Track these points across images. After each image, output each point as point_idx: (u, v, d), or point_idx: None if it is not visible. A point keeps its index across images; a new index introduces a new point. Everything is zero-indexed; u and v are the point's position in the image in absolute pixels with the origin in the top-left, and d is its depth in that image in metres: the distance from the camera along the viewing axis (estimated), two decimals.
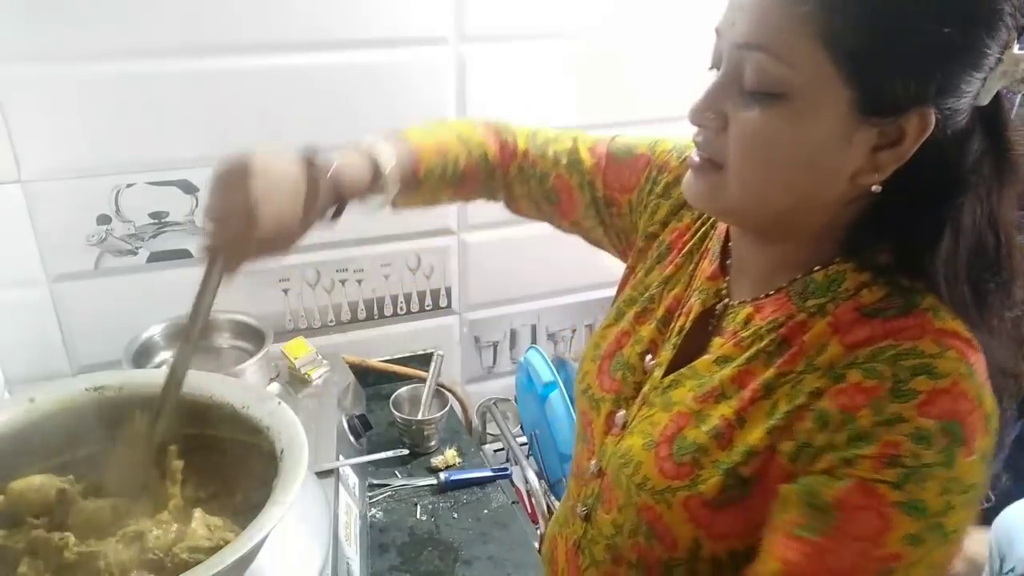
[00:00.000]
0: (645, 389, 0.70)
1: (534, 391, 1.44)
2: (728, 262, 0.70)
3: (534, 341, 1.73)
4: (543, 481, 1.47)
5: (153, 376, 0.95)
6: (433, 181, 0.85)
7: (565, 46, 1.47)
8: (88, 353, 1.34)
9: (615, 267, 1.79)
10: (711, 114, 0.58)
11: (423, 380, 1.39)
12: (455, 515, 1.19)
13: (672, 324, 0.71)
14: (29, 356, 1.30)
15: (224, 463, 0.79)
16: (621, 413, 0.71)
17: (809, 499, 0.53)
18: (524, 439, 1.57)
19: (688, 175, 0.62)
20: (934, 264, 0.54)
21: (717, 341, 0.66)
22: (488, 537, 1.15)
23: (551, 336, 1.75)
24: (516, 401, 1.62)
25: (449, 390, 1.44)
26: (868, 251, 0.57)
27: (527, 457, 1.52)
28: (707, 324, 0.69)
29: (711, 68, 0.60)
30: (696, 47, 1.66)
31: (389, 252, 1.50)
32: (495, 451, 1.70)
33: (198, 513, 0.74)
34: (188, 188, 1.30)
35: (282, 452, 0.71)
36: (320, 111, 1.34)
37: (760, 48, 0.53)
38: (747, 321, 0.64)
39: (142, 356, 1.17)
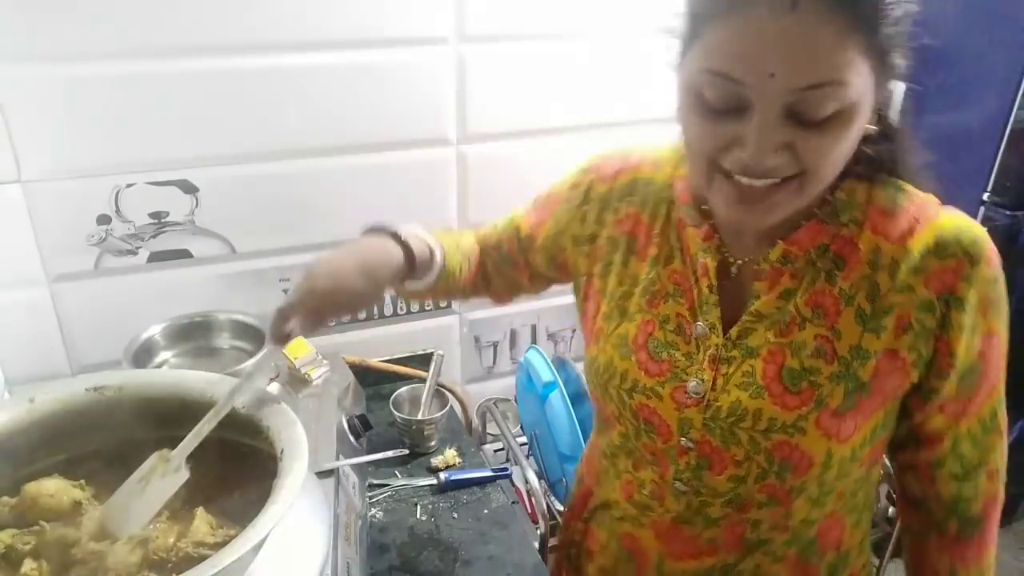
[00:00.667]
0: (710, 352, 0.75)
1: (534, 391, 1.44)
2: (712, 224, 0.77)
3: (534, 341, 1.73)
4: (543, 481, 1.47)
5: (153, 376, 0.95)
6: (453, 277, 0.92)
7: (565, 46, 1.47)
8: (88, 353, 1.34)
9: None
10: (779, 155, 0.62)
11: (423, 380, 1.39)
12: (455, 515, 1.19)
13: (693, 292, 0.77)
14: (29, 356, 1.30)
15: (224, 463, 0.79)
16: (693, 383, 0.75)
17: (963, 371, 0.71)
18: (524, 439, 1.57)
19: (743, 207, 0.66)
20: (899, 162, 0.72)
21: (759, 285, 0.74)
22: (488, 537, 1.15)
23: (551, 336, 1.75)
24: (516, 401, 1.62)
25: (449, 390, 1.44)
26: (855, 168, 0.69)
27: (527, 457, 1.52)
28: (726, 281, 0.76)
29: (721, 111, 0.64)
30: None
31: None
32: (495, 451, 1.70)
33: (200, 512, 0.74)
34: (188, 188, 1.31)
35: (282, 452, 0.71)
36: (320, 111, 1.34)
37: (828, 84, 0.59)
38: (786, 256, 0.72)
39: (142, 356, 1.17)
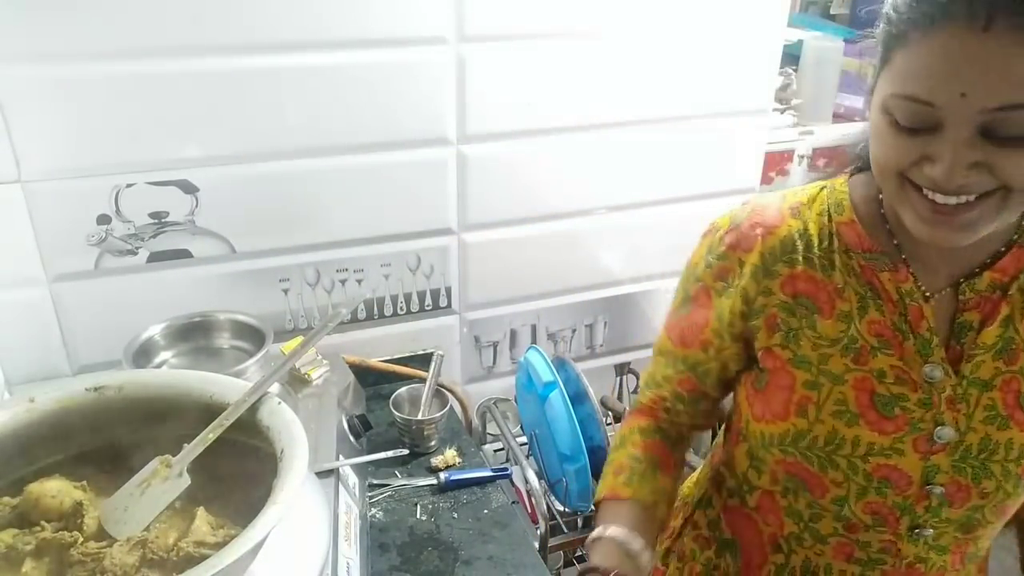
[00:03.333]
0: (946, 393, 0.73)
1: (534, 391, 1.44)
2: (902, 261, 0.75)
3: (534, 341, 1.73)
4: (543, 481, 1.47)
5: (153, 376, 0.95)
6: (662, 512, 0.88)
7: (565, 46, 1.47)
8: (88, 353, 1.34)
9: (614, 269, 1.81)
10: (971, 173, 0.62)
11: (423, 380, 1.39)
12: (455, 515, 1.19)
13: (901, 339, 0.74)
14: (29, 356, 1.30)
15: (224, 463, 0.79)
16: (940, 429, 0.73)
17: None
18: (524, 439, 1.57)
19: (936, 223, 0.65)
20: None
21: (970, 314, 0.74)
22: (488, 537, 1.15)
23: (551, 336, 1.75)
24: (516, 401, 1.62)
25: (449, 390, 1.44)
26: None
27: (527, 457, 1.52)
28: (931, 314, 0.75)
29: (914, 130, 0.64)
30: (696, 47, 1.67)
31: (389, 252, 1.51)
32: (495, 451, 1.70)
33: (200, 511, 0.74)
34: (188, 188, 1.31)
35: (282, 452, 0.71)
36: (320, 111, 1.34)
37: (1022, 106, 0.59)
38: (993, 283, 0.73)
39: (142, 356, 1.17)
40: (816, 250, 0.78)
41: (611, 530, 0.81)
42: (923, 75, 0.61)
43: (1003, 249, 0.73)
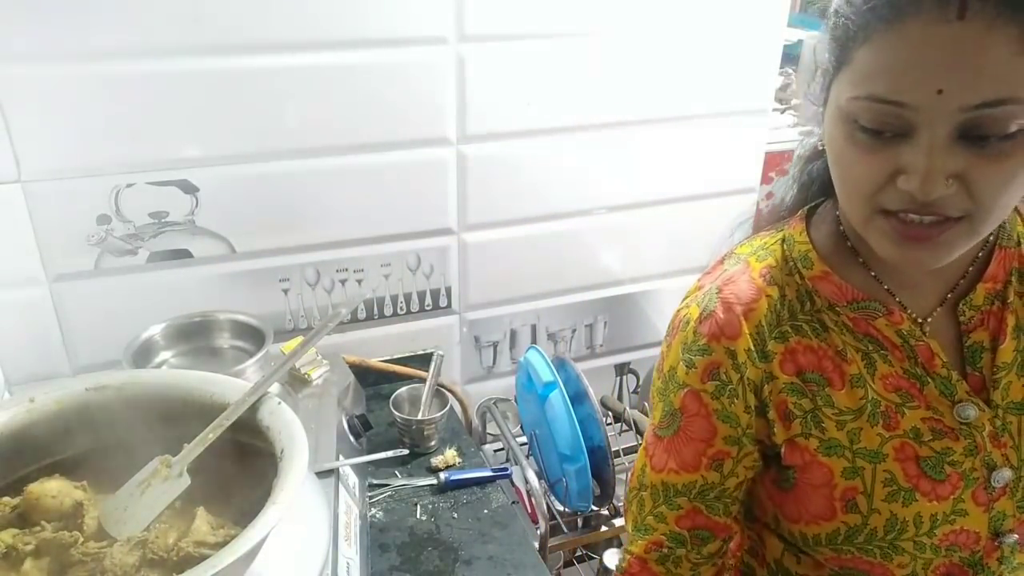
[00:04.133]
0: (987, 430, 0.67)
1: (534, 391, 1.43)
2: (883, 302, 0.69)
3: (534, 341, 1.73)
4: (543, 481, 1.47)
5: (153, 376, 0.95)
6: None
7: (565, 45, 1.47)
8: (88, 353, 1.34)
9: (614, 269, 1.81)
10: (949, 180, 0.56)
11: (423, 380, 1.39)
12: (455, 515, 1.19)
13: (919, 385, 0.68)
14: (29, 356, 1.30)
15: (224, 463, 0.78)
16: (998, 473, 0.67)
17: None
18: (524, 439, 1.57)
19: (909, 245, 0.60)
20: None
21: (977, 334, 0.69)
22: (488, 537, 1.15)
23: (551, 336, 1.75)
24: (516, 401, 1.62)
25: (449, 390, 1.44)
26: None
27: (527, 457, 1.52)
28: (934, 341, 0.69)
29: (874, 133, 0.58)
30: (696, 47, 1.67)
31: (389, 252, 1.51)
32: (495, 451, 1.70)
33: (200, 511, 0.74)
34: (188, 188, 1.31)
35: (282, 452, 0.71)
36: (320, 111, 1.34)
37: (1004, 102, 0.53)
38: (989, 295, 0.69)
39: (142, 356, 1.17)
40: (801, 315, 0.70)
41: None
42: (892, 72, 0.55)
43: (983, 255, 0.69)
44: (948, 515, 0.67)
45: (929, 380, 0.68)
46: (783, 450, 0.70)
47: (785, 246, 0.73)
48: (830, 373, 0.69)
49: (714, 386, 0.70)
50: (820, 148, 0.69)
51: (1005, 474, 0.67)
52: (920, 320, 0.69)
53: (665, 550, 0.75)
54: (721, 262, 0.78)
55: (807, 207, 0.75)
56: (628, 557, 0.79)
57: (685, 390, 0.72)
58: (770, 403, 0.70)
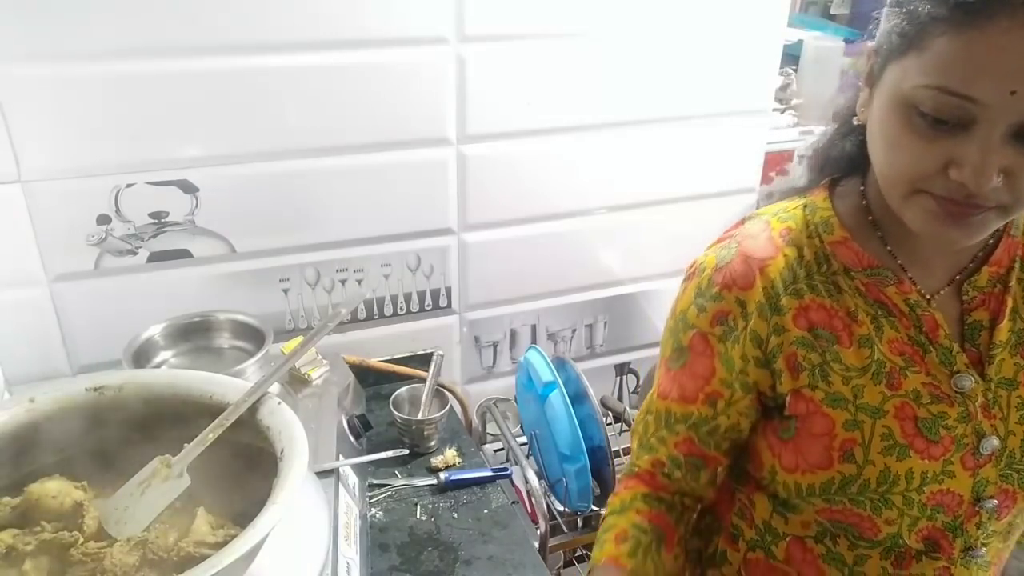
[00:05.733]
0: (980, 401, 0.71)
1: (534, 391, 1.44)
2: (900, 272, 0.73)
3: (534, 341, 1.73)
4: (543, 481, 1.47)
5: (153, 376, 0.95)
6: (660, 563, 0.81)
7: (566, 46, 1.47)
8: (88, 353, 1.34)
9: (614, 269, 1.81)
10: (997, 176, 0.59)
11: (423, 380, 1.39)
12: (455, 515, 1.19)
13: (922, 352, 0.72)
14: (29, 356, 1.30)
15: (224, 463, 0.79)
16: (986, 441, 0.71)
17: None
18: (524, 439, 1.57)
19: (946, 223, 0.63)
20: None
21: (978, 313, 0.73)
22: (488, 537, 1.15)
23: (551, 336, 1.75)
24: (516, 401, 1.62)
25: (449, 390, 1.44)
26: None
27: (527, 457, 1.52)
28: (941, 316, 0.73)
29: (934, 122, 0.60)
30: (696, 47, 1.67)
31: (389, 252, 1.51)
32: (495, 451, 1.70)
33: (200, 511, 0.74)
34: (188, 188, 1.31)
35: (282, 452, 0.71)
36: (320, 111, 1.34)
37: None
38: (992, 279, 0.73)
39: (142, 356, 1.17)
40: (817, 275, 0.73)
41: None
42: (970, 68, 0.56)
43: (992, 241, 0.73)
44: (937, 475, 0.71)
45: (931, 349, 0.72)
46: (788, 399, 0.74)
47: (807, 211, 0.77)
48: (840, 331, 0.72)
49: (721, 331, 0.75)
50: (855, 124, 0.71)
51: (992, 442, 0.71)
52: (928, 296, 0.73)
53: (666, 469, 0.83)
54: (742, 222, 0.81)
55: (830, 178, 0.78)
56: (635, 470, 0.86)
57: (694, 331, 0.77)
58: (778, 354, 0.73)
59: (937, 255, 0.73)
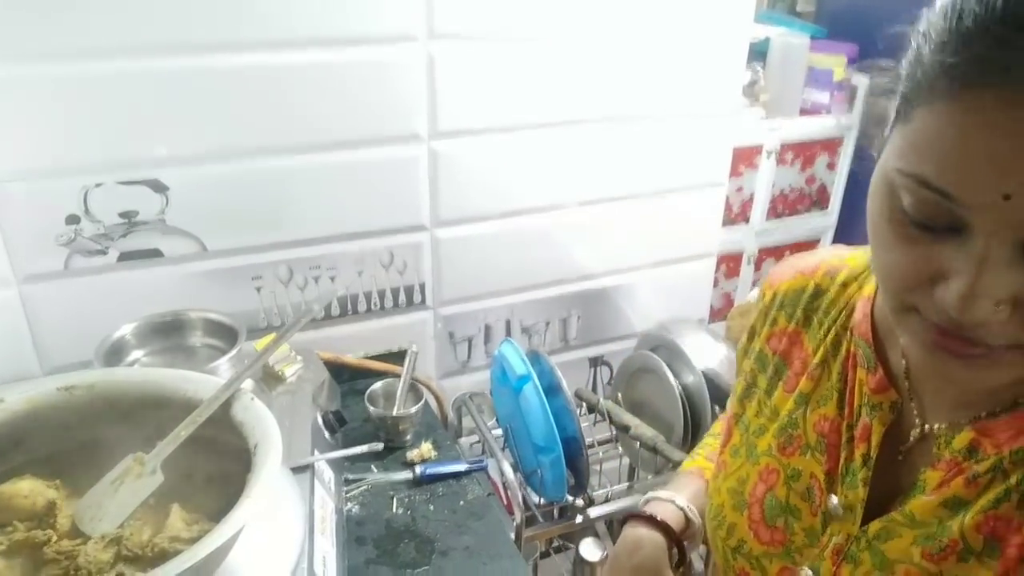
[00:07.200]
0: (836, 540, 0.59)
1: (508, 384, 1.45)
2: (897, 371, 0.59)
3: (508, 335, 1.74)
4: (518, 473, 1.48)
5: (125, 374, 0.95)
6: None
7: (535, 44, 1.48)
8: (59, 354, 1.33)
9: (586, 263, 1.83)
10: (999, 305, 0.43)
11: (398, 375, 1.40)
12: (431, 507, 1.20)
13: (840, 452, 0.60)
14: None
15: (198, 459, 0.79)
16: (807, 573, 0.60)
17: None
18: (499, 431, 1.58)
19: (943, 356, 0.47)
20: None
21: (931, 475, 0.55)
22: (464, 528, 1.16)
23: (525, 330, 1.77)
24: (491, 394, 1.63)
25: (424, 385, 1.45)
26: None
27: (502, 449, 1.54)
28: (894, 451, 0.58)
29: (925, 230, 0.45)
30: (664, 44, 1.69)
31: (362, 249, 1.51)
32: (471, 444, 1.71)
33: (175, 508, 0.75)
34: (158, 187, 1.30)
35: (255, 447, 0.72)
36: (290, 109, 1.34)
37: None
38: (972, 449, 0.53)
39: (114, 356, 1.17)
40: (819, 317, 0.65)
41: (679, 499, 0.78)
42: (949, 154, 0.41)
43: (1001, 410, 0.53)
44: (751, 556, 0.66)
45: (844, 453, 0.60)
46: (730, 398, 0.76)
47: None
48: (792, 376, 0.67)
49: (755, 309, 0.75)
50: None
51: None
52: (918, 422, 0.58)
53: None
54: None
55: None
56: None
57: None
58: (747, 353, 0.73)
59: (948, 385, 0.56)
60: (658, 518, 0.76)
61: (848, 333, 0.63)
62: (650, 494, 0.80)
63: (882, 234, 0.48)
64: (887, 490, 0.58)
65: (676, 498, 0.79)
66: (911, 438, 0.58)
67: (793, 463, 0.63)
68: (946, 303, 0.44)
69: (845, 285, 0.65)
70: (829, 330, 0.64)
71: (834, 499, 0.60)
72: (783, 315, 0.68)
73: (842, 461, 0.60)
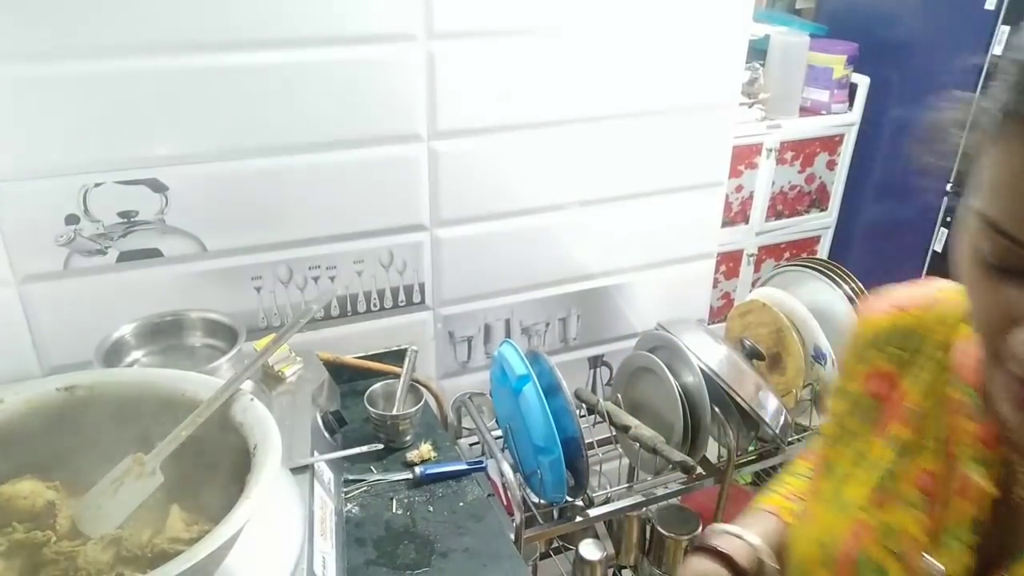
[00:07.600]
0: None
1: (508, 385, 1.45)
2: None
3: (508, 335, 1.74)
4: (518, 473, 1.48)
5: (124, 375, 0.95)
6: None
7: (534, 42, 1.48)
8: (58, 354, 1.33)
9: (586, 263, 1.83)
10: None
11: (397, 376, 1.40)
12: (431, 508, 1.20)
13: (942, 510, 0.56)
14: None
15: (197, 459, 0.79)
16: None
17: None
18: (499, 432, 1.58)
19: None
20: None
21: None
22: (464, 529, 1.16)
23: (525, 330, 1.77)
24: (491, 395, 1.63)
25: (424, 385, 1.45)
26: None
27: (502, 450, 1.53)
28: (997, 509, 0.54)
29: (997, 271, 0.43)
30: (664, 42, 1.69)
31: (361, 249, 1.51)
32: (471, 445, 1.71)
33: (175, 508, 0.75)
34: (157, 187, 1.30)
35: (255, 447, 0.72)
36: (290, 108, 1.34)
37: None
38: None
39: (113, 356, 1.17)
40: (917, 358, 0.61)
41: (750, 536, 0.72)
42: (1006, 196, 0.40)
43: None
44: None
45: (948, 510, 0.55)
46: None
47: None
48: (887, 420, 0.62)
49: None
50: None
51: None
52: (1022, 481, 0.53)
53: None
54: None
55: None
56: None
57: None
58: (840, 392, 0.69)
59: None
60: (723, 550, 0.71)
61: (946, 374, 0.58)
62: (717, 526, 0.75)
63: (966, 275, 0.46)
64: (994, 553, 0.53)
65: (744, 533, 0.73)
66: (1019, 494, 0.53)
67: (888, 519, 0.58)
68: (1016, 350, 0.42)
69: (943, 322, 0.61)
70: (929, 372, 0.60)
71: (936, 563, 0.54)
72: (879, 355, 0.64)
73: (945, 519, 0.55)
